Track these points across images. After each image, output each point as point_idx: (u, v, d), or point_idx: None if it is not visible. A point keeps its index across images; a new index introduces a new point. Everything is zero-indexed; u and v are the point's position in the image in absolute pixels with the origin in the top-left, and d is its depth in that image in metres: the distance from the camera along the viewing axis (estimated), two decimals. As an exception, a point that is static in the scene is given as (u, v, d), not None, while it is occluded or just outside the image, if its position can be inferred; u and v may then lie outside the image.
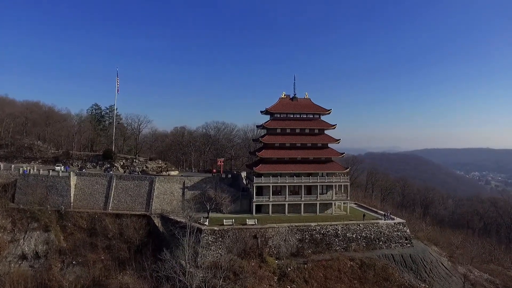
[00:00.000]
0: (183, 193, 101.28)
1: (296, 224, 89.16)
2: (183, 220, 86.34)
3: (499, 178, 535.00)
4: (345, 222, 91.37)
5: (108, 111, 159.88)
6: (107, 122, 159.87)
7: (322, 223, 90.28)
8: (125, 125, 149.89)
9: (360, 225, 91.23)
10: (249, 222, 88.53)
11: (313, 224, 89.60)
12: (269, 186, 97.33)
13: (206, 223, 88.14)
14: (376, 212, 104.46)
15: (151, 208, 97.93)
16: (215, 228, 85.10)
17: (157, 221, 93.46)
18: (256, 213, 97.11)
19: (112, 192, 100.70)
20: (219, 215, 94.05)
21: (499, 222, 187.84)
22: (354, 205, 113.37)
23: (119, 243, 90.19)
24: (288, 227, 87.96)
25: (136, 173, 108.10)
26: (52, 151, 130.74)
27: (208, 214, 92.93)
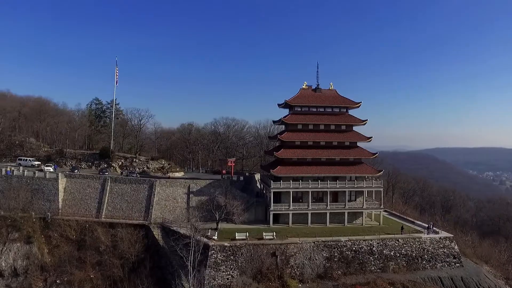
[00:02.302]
0: (188, 199, 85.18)
1: (323, 239, 72.54)
2: (187, 233, 70.46)
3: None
4: (382, 237, 74.65)
5: (109, 106, 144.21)
6: (108, 118, 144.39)
7: (353, 238, 73.66)
8: (127, 120, 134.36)
9: (399, 240, 74.41)
10: (267, 235, 72.18)
11: (343, 239, 72.97)
12: (289, 192, 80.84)
13: (215, 236, 71.98)
14: (413, 223, 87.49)
15: (151, 216, 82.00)
16: (225, 244, 68.82)
17: (157, 233, 77.49)
18: (273, 223, 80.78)
19: (106, 197, 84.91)
20: (230, 225, 77.84)
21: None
22: (384, 213, 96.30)
23: (112, 259, 74.41)
24: (314, 242, 71.44)
25: (135, 174, 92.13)
26: (45, 149, 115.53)
27: (218, 225, 76.79)
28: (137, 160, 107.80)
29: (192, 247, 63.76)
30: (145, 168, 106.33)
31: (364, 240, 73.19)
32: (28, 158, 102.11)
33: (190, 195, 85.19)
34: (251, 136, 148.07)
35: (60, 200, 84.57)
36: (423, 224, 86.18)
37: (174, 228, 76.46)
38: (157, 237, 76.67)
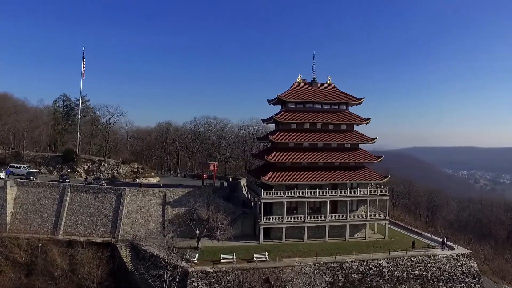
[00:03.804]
0: (163, 211, 71.12)
1: (325, 259, 59.90)
2: (161, 255, 56.62)
3: (487, 176, 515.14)
4: (392, 255, 62.60)
5: (79, 102, 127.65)
6: (77, 116, 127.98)
7: (359, 257, 61.35)
8: (99, 118, 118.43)
9: (412, 258, 62.53)
10: (257, 257, 59.01)
11: (347, 259, 60.51)
12: (282, 203, 67.86)
13: (195, 259, 58.34)
14: (420, 234, 76.02)
15: (118, 232, 67.67)
16: (208, 269, 55.29)
17: (125, 253, 63.26)
18: (264, 238, 67.66)
19: (65, 209, 69.97)
20: (214, 243, 64.35)
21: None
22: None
23: (69, 287, 59.93)
24: (314, 264, 58.69)
25: (101, 181, 77.24)
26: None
27: (198, 243, 63.11)
28: (106, 164, 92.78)
29: (166, 277, 50.19)
30: (115, 173, 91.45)
31: (372, 260, 60.95)
32: None
33: (166, 207, 71.17)
34: (234, 136, 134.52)
35: (8, 213, 69.10)
36: (431, 235, 75.11)
37: (146, 247, 62.43)
38: (125, 259, 62.41)
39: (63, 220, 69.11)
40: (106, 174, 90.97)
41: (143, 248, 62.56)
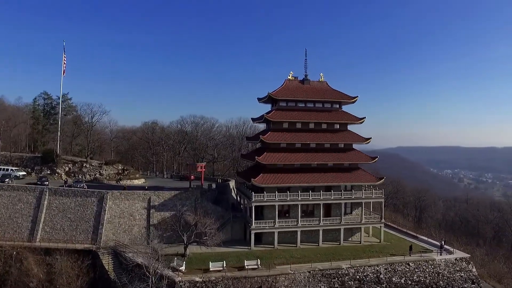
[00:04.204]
0: (148, 216, 66.78)
1: (320, 266, 56.48)
2: (146, 263, 52.54)
3: (470, 175, 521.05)
4: (389, 260, 59.52)
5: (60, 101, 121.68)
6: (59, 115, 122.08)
7: (356, 263, 58.12)
8: (81, 117, 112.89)
9: (410, 264, 59.52)
10: (249, 264, 55.24)
11: (344, 265, 57.19)
12: (273, 206, 64.23)
13: (182, 267, 54.28)
14: (415, 237, 73.33)
15: (100, 238, 63.10)
16: (197, 279, 51.35)
17: (107, 261, 58.80)
18: (255, 243, 63.87)
19: (43, 214, 65.11)
20: (202, 250, 60.28)
21: (504, 228, 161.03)
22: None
23: (46, 299, 55.33)
24: (309, 271, 55.16)
25: (81, 184, 72.40)
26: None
27: (186, 250, 59.00)
28: (88, 165, 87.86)
29: (151, 283, 46.16)
30: (97, 175, 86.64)
31: (369, 266, 57.74)
32: None
33: (151, 211, 66.86)
34: (222, 136, 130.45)
35: (-20, 219, 64.04)
36: (426, 238, 72.38)
37: (130, 254, 58.04)
38: (107, 267, 57.94)
39: (41, 226, 64.25)
40: (88, 176, 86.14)
41: (126, 255, 58.11)
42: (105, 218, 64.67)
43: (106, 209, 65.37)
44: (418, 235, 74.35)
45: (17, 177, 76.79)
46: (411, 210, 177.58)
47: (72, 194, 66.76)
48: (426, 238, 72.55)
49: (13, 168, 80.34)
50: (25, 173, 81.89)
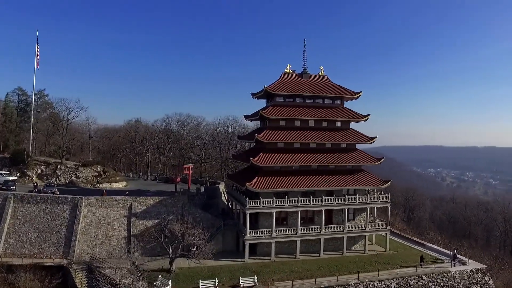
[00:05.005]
0: (129, 225, 58.36)
1: (325, 282, 49.09)
2: (126, 281, 44.48)
3: (453, 174, 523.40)
4: (400, 273, 52.59)
5: (36, 97, 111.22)
6: (36, 111, 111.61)
7: (364, 277, 51.03)
8: (59, 114, 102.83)
9: (423, 277, 52.73)
10: (245, 282, 47.59)
11: (351, 280, 50.01)
12: (270, 213, 56.62)
13: (168, 286, 46.15)
14: (422, 245, 66.80)
15: (73, 252, 54.46)
16: (185, 302, 43.35)
17: (80, 279, 50.36)
18: (249, 254, 56.13)
19: (6, 224, 56.05)
20: (191, 264, 52.13)
21: (493, 229, 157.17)
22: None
23: (6, 326, 46.61)
24: (313, 289, 47.76)
25: (53, 189, 63.35)
26: None
27: (172, 266, 50.92)
28: (62, 167, 78.65)
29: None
30: (73, 178, 77.58)
31: (379, 281, 50.68)
32: None
33: (132, 219, 58.47)
34: (210, 135, 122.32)
35: None
36: (435, 246, 66.01)
37: (107, 271, 49.69)
38: (80, 286, 49.52)
39: (3, 238, 55.15)
40: (63, 179, 77.06)
41: (103, 272, 49.73)
42: (79, 228, 56.02)
43: (81, 218, 56.74)
44: (424, 243, 67.82)
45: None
46: (400, 210, 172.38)
47: (41, 201, 57.81)
48: (433, 246, 66.12)
49: (3, 173, 70.66)
50: (15, 178, 72.51)
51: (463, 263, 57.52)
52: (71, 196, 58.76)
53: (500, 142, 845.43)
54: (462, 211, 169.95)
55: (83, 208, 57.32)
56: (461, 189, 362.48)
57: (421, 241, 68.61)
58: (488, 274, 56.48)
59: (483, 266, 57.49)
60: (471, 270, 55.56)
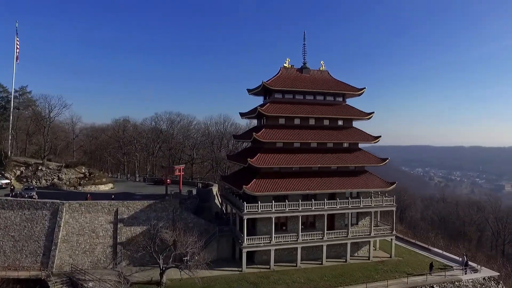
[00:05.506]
0: (116, 232, 53.04)
1: (331, 295, 44.59)
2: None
3: (440, 174, 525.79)
4: (410, 282, 48.46)
5: (17, 94, 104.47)
6: (17, 109, 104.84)
7: (372, 286, 46.70)
8: (42, 112, 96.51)
9: (435, 287, 48.57)
10: (244, 296, 42.69)
11: (359, 291, 45.60)
12: (269, 218, 51.91)
13: (158, 302, 41.14)
14: (428, 250, 62.89)
15: (53, 263, 49.04)
16: (178, 321, 38.33)
17: (60, 294, 44.92)
18: (247, 264, 51.31)
19: (-22, 232, 50.25)
20: (183, 275, 47.01)
21: (485, 229, 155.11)
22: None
23: None
24: (318, 303, 43.18)
25: (31, 192, 57.58)
26: None
27: (162, 278, 45.85)
28: (44, 168, 72.93)
29: None
30: (55, 180, 71.92)
31: (388, 291, 46.39)
32: None
33: (119, 225, 53.15)
34: (201, 134, 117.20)
35: None
36: (441, 251, 62.12)
37: (91, 284, 44.47)
38: (59, 302, 44.15)
39: (-26, 247, 49.50)
40: (44, 181, 71.43)
41: (86, 285, 44.56)
42: (59, 236, 50.57)
43: (62, 225, 51.27)
44: (430, 248, 63.82)
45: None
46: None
47: (17, 206, 52.09)
48: (440, 251, 62.15)
49: None
50: (9, 181, 66.76)
51: (474, 270, 53.62)
52: (51, 200, 53.10)
53: (486, 142, 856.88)
54: (454, 210, 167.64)
55: (64, 213, 51.84)
56: (449, 188, 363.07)
57: (426, 246, 64.68)
58: (501, 282, 52.68)
59: (496, 273, 53.63)
60: (484, 278, 51.66)
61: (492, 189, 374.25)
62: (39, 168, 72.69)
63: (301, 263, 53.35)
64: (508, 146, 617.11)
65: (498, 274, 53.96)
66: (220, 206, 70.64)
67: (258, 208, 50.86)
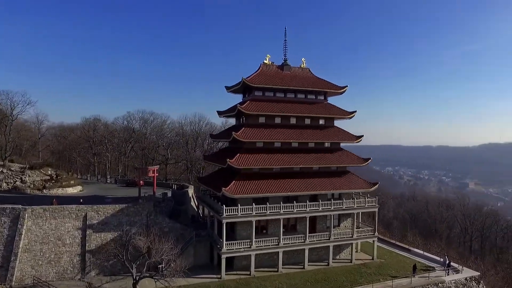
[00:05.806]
0: (84, 239, 48.88)
1: (316, 302, 42.34)
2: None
3: (409, 173, 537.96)
4: (395, 285, 46.89)
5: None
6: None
7: (357, 292, 44.80)
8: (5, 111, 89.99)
9: (419, 289, 47.29)
10: (224, 306, 39.78)
11: (344, 297, 43.58)
12: (249, 222, 49.17)
13: (131, 316, 37.63)
14: (408, 251, 61.96)
15: (12, 275, 44.47)
16: (153, 337, 35.02)
17: (21, 309, 40.59)
18: (226, 270, 48.38)
19: None
20: (158, 284, 43.66)
21: (453, 226, 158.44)
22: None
23: None
24: (303, 311, 40.82)
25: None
26: None
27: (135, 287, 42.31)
28: (5, 170, 67.40)
29: None
30: (18, 183, 66.53)
31: (373, 296, 44.66)
32: None
33: (88, 232, 49.00)
34: (175, 134, 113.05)
35: None
36: (422, 252, 61.34)
37: (55, 297, 40.36)
38: (20, 318, 39.85)
39: None
40: (5, 184, 66.02)
41: (50, 299, 40.43)
42: (20, 246, 45.98)
43: (23, 233, 46.68)
44: (410, 248, 62.93)
45: None
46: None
47: (-27, 213, 47.15)
48: (420, 251, 61.36)
49: None
50: None
51: (456, 271, 52.84)
52: (11, 206, 48.29)
53: (453, 142, 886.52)
54: (424, 208, 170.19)
55: (26, 220, 47.25)
56: (418, 187, 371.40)
57: (406, 247, 63.75)
58: (482, 282, 52.13)
59: (476, 273, 53.07)
60: (466, 279, 50.95)
61: (458, 187, 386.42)
62: (0, 170, 67.10)
63: (282, 267, 50.95)
64: (472, 146, 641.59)
65: (479, 274, 53.43)
66: (196, 209, 67.38)
67: (238, 211, 48.02)
